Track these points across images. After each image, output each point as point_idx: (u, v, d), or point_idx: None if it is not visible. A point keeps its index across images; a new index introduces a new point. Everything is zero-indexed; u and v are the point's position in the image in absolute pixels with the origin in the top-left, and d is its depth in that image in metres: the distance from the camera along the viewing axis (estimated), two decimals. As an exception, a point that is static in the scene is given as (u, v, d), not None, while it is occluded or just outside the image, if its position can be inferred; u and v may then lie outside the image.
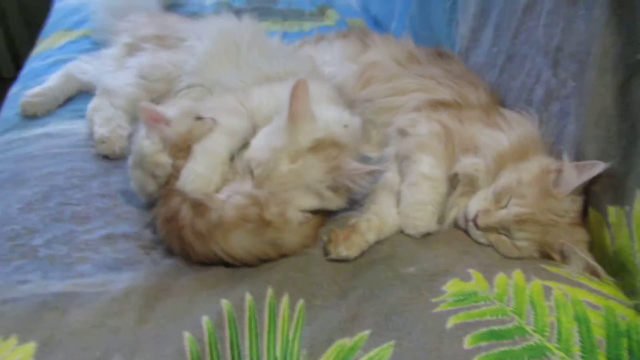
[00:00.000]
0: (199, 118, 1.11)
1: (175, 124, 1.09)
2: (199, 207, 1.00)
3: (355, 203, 1.17)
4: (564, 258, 1.03)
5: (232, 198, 1.02)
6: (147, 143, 1.07)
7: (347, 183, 1.08)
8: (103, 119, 1.34)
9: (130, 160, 1.12)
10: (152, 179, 1.08)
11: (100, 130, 1.31)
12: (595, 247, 1.05)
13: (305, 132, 1.09)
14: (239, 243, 0.99)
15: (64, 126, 1.40)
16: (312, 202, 1.10)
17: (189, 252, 1.00)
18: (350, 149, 1.13)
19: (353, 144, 1.16)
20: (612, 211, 1.00)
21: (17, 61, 3.19)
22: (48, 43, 1.90)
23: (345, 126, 1.16)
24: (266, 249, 1.01)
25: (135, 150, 1.10)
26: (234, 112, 1.18)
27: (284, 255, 1.03)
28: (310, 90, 1.10)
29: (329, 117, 1.15)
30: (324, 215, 1.14)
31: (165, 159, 1.06)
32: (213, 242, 0.98)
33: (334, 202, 1.12)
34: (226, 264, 1.01)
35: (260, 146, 1.11)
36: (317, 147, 1.09)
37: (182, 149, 1.08)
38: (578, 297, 0.93)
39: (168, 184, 1.06)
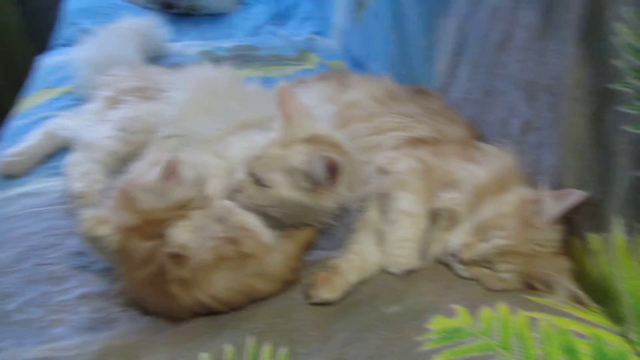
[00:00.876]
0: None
1: (179, 189, 1.05)
2: (177, 258, 0.99)
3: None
4: (548, 288, 1.02)
5: (204, 244, 1.01)
6: (84, 216, 1.02)
7: (312, 169, 1.04)
8: (80, 174, 1.32)
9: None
10: (102, 252, 1.03)
11: (76, 185, 1.30)
12: (579, 275, 1.04)
13: (302, 128, 1.10)
14: (222, 283, 0.98)
15: (42, 184, 1.39)
16: (288, 191, 1.08)
17: (173, 309, 0.98)
18: (349, 160, 1.12)
19: (353, 159, 1.15)
20: (593, 239, 1.00)
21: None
22: (30, 101, 1.90)
23: (352, 148, 1.17)
24: (252, 282, 1.00)
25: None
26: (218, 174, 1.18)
27: (272, 283, 1.01)
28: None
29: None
30: (308, 236, 1.13)
31: (106, 230, 1.00)
32: (197, 288, 0.97)
33: (308, 199, 1.09)
34: (210, 314, 0.99)
35: (253, 147, 1.13)
36: (313, 139, 1.09)
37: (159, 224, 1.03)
38: (564, 327, 0.91)
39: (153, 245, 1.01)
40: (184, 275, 0.97)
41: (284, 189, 1.09)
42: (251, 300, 1.01)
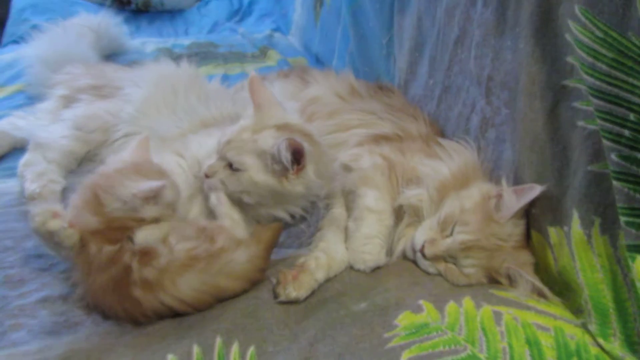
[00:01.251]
0: None
1: (153, 209, 1.02)
2: (146, 255, 0.96)
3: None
4: (511, 282, 1.05)
5: (178, 244, 0.99)
6: (35, 211, 0.97)
7: (277, 151, 1.05)
8: (34, 174, 1.28)
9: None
10: (59, 248, 0.99)
11: (31, 187, 1.25)
12: (540, 269, 1.06)
13: (272, 116, 1.13)
14: (189, 285, 0.96)
15: (-5, 186, 1.35)
16: (257, 175, 1.09)
17: (136, 314, 0.95)
18: (319, 150, 1.15)
19: (322, 149, 1.18)
20: (553, 232, 1.02)
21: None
22: (-20, 100, 1.83)
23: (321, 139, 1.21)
24: (219, 281, 0.99)
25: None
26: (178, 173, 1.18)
27: (239, 281, 1.01)
28: None
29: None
30: (273, 235, 1.13)
31: (58, 224, 0.96)
32: (162, 291, 0.95)
33: (279, 183, 1.10)
34: (176, 316, 0.97)
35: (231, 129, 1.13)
36: (283, 127, 1.12)
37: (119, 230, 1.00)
38: (527, 320, 0.93)
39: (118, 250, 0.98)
40: (149, 276, 0.95)
41: (255, 172, 1.09)
42: (217, 301, 1.00)
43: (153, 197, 0.99)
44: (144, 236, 0.99)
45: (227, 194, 1.13)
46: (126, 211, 0.99)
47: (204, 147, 1.21)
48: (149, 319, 0.96)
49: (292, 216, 1.20)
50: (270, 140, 1.09)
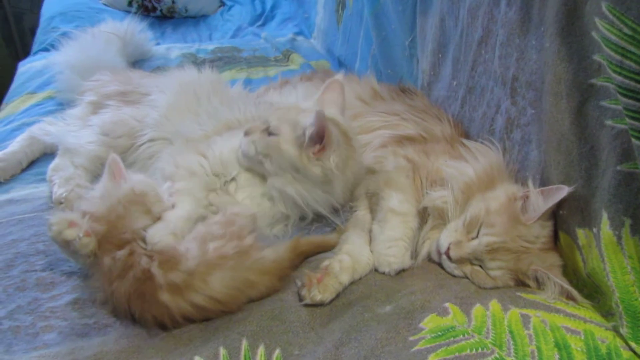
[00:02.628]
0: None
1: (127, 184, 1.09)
2: (167, 262, 0.98)
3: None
4: (539, 284, 1.03)
5: (207, 245, 1.01)
6: (52, 220, 0.99)
7: (307, 125, 1.13)
8: (62, 179, 1.32)
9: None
10: (76, 255, 1.02)
11: (58, 191, 1.29)
12: (569, 271, 1.05)
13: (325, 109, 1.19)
14: (221, 282, 0.97)
15: (27, 190, 1.38)
16: (289, 146, 1.16)
17: (164, 320, 0.95)
18: (351, 150, 1.23)
19: (351, 144, 1.24)
20: (582, 234, 1.00)
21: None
22: (12, 108, 1.88)
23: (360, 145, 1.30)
24: (249, 276, 1.00)
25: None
26: (191, 174, 1.21)
27: (268, 276, 1.03)
28: None
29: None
30: (298, 242, 1.14)
31: (74, 233, 0.98)
32: (192, 291, 0.96)
33: (300, 158, 1.16)
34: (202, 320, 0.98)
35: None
36: (329, 118, 1.16)
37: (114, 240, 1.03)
38: (557, 323, 0.92)
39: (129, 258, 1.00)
40: (176, 279, 0.95)
41: (284, 140, 1.16)
42: (247, 297, 1.01)
43: (115, 173, 1.08)
44: (155, 235, 1.05)
45: (250, 163, 1.22)
46: (107, 201, 1.05)
47: (228, 146, 1.24)
48: (177, 324, 0.96)
49: (303, 218, 1.24)
50: (309, 119, 1.13)
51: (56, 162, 1.40)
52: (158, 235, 1.06)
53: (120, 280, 0.96)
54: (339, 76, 1.33)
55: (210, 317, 0.98)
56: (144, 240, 1.05)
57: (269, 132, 1.18)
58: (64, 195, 1.28)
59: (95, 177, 1.33)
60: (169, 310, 0.95)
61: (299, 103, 1.30)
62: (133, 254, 0.99)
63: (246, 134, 1.20)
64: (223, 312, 0.98)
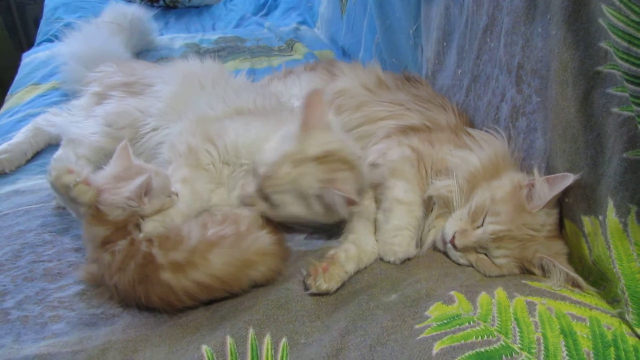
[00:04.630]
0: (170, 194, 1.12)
1: (151, 202, 1.07)
2: (166, 241, 1.00)
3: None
4: (545, 272, 1.03)
5: (208, 229, 1.03)
6: (53, 166, 1.04)
7: (330, 201, 1.06)
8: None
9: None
10: (75, 204, 1.04)
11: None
12: (575, 258, 1.05)
13: (316, 143, 1.10)
14: (221, 259, 0.99)
15: (33, 182, 1.39)
16: (299, 209, 1.11)
17: (170, 299, 0.97)
18: (357, 174, 1.13)
19: (361, 173, 1.16)
20: (587, 221, 1.00)
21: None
22: (17, 99, 1.88)
23: (359, 157, 1.17)
24: (248, 256, 1.02)
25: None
26: (198, 164, 1.20)
27: (267, 256, 1.04)
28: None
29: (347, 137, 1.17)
30: None
31: (71, 178, 1.02)
32: (193, 269, 0.97)
33: (320, 215, 1.11)
34: (206, 304, 0.99)
35: (272, 147, 1.14)
36: (324, 158, 1.10)
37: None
38: (562, 311, 0.92)
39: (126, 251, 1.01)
40: (177, 258, 0.97)
41: (297, 209, 1.11)
42: (249, 279, 1.02)
43: (145, 191, 1.05)
44: (151, 227, 1.05)
45: None
46: (126, 215, 1.04)
47: (242, 138, 1.22)
48: (183, 303, 0.98)
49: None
50: (310, 180, 1.08)
51: (59, 152, 1.40)
52: (156, 231, 1.06)
53: (122, 272, 0.98)
54: (314, 87, 1.24)
55: (215, 298, 1.00)
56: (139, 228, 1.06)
57: (269, 201, 1.12)
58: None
59: (97, 168, 1.33)
60: (172, 289, 0.97)
61: (284, 126, 1.19)
62: (134, 243, 1.01)
63: (248, 205, 1.15)
64: (226, 292, 1.00)
